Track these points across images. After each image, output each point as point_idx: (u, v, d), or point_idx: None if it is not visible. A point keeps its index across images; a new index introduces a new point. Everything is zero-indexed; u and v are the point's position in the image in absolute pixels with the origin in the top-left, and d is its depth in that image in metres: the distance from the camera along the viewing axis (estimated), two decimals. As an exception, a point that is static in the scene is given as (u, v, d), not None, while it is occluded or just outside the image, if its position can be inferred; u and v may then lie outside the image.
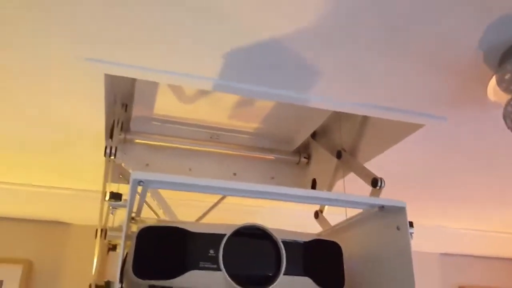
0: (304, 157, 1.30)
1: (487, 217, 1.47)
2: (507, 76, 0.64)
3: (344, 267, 0.73)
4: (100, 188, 0.84)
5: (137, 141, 1.13)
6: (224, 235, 0.67)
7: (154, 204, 0.90)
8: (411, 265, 0.65)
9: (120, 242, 0.62)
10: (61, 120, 0.87)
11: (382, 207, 0.70)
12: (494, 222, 1.51)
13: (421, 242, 1.68)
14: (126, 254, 0.67)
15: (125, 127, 1.08)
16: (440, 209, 1.42)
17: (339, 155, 1.07)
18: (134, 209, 0.74)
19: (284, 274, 0.67)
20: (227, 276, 0.65)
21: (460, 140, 0.93)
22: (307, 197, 0.66)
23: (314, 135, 1.24)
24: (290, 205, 1.23)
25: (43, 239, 1.50)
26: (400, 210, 0.68)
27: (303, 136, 1.23)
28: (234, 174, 1.29)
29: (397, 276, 0.67)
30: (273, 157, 1.30)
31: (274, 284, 0.66)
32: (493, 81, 0.67)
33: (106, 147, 0.78)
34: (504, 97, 0.68)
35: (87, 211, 1.35)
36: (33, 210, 1.47)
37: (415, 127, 0.87)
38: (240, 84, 0.71)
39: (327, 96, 0.76)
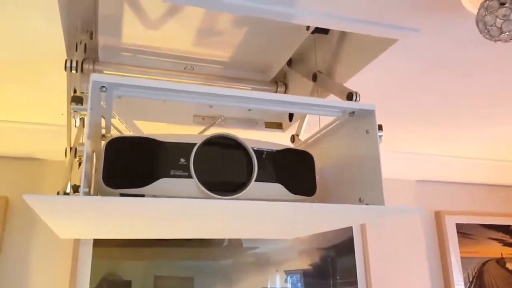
0: (281, 87, 1.28)
1: (463, 141, 1.49)
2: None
3: (317, 177, 0.74)
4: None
5: (106, 72, 1.10)
6: (195, 144, 0.67)
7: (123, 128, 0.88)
8: (379, 167, 0.66)
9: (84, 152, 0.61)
10: (20, 41, 0.82)
11: (352, 113, 0.70)
12: (469, 147, 1.54)
13: (397, 169, 1.72)
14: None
15: (93, 58, 1.04)
16: (416, 133, 1.43)
17: (314, 78, 1.06)
18: (103, 125, 0.73)
19: (255, 181, 0.68)
20: (198, 182, 0.65)
21: (435, 54, 0.92)
22: (279, 102, 0.65)
23: (290, 63, 1.22)
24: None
25: (18, 176, 1.50)
26: (369, 113, 0.67)
27: (279, 64, 1.20)
28: (210, 106, 1.27)
29: (366, 179, 0.68)
30: (249, 88, 1.29)
31: (246, 190, 0.67)
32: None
33: (66, 60, 0.74)
34: (478, 4, 0.66)
35: (61, 146, 1.34)
36: (7, 147, 1.45)
37: (389, 42, 0.85)
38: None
39: (310, 10, 0.72)
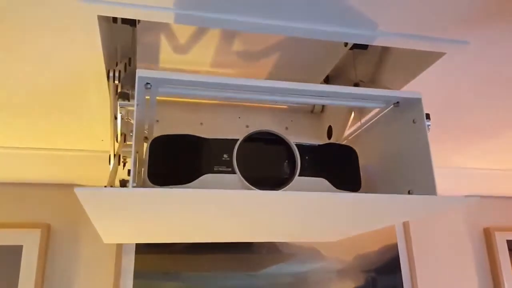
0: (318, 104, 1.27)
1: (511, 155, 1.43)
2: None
3: (361, 173, 0.72)
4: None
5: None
6: (237, 140, 0.67)
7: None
8: (430, 158, 0.64)
9: (131, 151, 0.62)
10: (60, 67, 0.81)
11: (397, 104, 0.68)
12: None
13: (443, 185, 1.65)
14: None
15: (131, 84, 1.07)
16: (462, 148, 1.38)
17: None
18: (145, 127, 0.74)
19: (299, 176, 0.67)
20: (242, 177, 0.65)
21: (484, 68, 0.86)
22: (316, 92, 0.65)
23: (327, 80, 1.21)
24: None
25: (60, 203, 1.52)
26: (415, 102, 0.66)
27: (316, 82, 1.20)
28: (247, 126, 1.27)
29: (416, 171, 0.66)
30: (286, 106, 1.28)
31: (290, 184, 0.66)
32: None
33: (109, 71, 0.74)
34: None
35: (102, 172, 1.37)
36: (49, 174, 1.47)
37: (436, 56, 0.81)
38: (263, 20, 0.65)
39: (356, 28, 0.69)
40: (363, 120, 0.76)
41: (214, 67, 1.10)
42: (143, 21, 0.83)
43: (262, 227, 0.79)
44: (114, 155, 0.79)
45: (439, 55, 0.79)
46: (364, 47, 1.02)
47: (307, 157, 0.69)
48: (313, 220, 0.72)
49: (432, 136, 1.28)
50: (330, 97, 0.66)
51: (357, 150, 0.74)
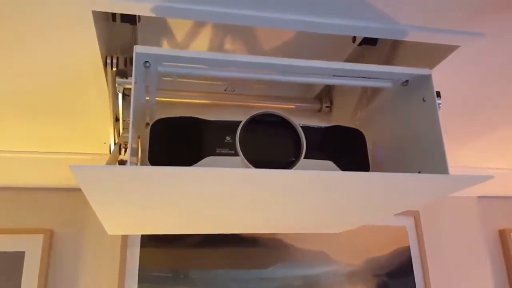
0: (326, 105, 1.24)
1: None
2: None
3: (370, 156, 0.69)
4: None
5: (147, 98, 1.10)
6: (240, 122, 0.65)
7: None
8: (441, 136, 0.61)
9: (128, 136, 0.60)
10: (59, 69, 0.78)
11: (406, 83, 0.66)
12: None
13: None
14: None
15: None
16: (477, 147, 1.34)
17: None
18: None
19: (304, 158, 0.64)
20: (245, 159, 0.62)
21: (501, 61, 0.81)
22: (321, 68, 0.63)
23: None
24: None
25: (63, 207, 1.48)
26: (425, 80, 0.63)
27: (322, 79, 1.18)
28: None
29: (427, 152, 0.63)
30: (293, 106, 1.25)
31: (295, 167, 0.63)
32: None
33: (106, 57, 0.70)
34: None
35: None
36: (51, 178, 1.44)
37: (450, 49, 0.76)
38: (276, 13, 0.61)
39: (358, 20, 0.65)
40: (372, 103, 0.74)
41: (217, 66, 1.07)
42: (143, 19, 0.82)
43: (265, 215, 0.75)
44: (115, 141, 0.77)
45: (452, 48, 0.75)
46: (373, 42, 0.99)
47: (313, 140, 0.66)
48: (318, 205, 0.68)
49: (444, 133, 1.25)
50: (337, 76, 0.64)
51: (366, 133, 0.71)
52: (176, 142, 0.65)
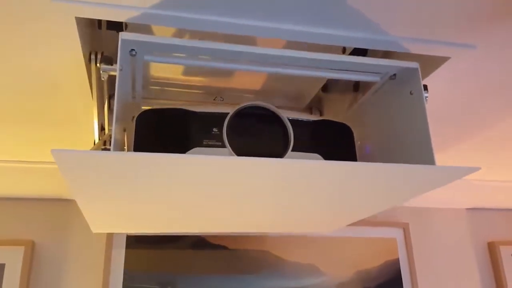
0: (316, 112, 1.25)
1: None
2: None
3: (357, 150, 0.69)
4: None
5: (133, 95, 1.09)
6: (228, 113, 0.64)
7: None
8: (428, 129, 0.61)
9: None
10: (44, 77, 0.75)
11: (393, 76, 0.66)
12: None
13: (445, 197, 1.61)
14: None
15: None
16: (467, 159, 1.34)
17: (356, 87, 1.00)
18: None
19: (292, 151, 0.63)
20: (232, 151, 0.61)
21: (490, 74, 0.81)
22: (308, 59, 0.63)
23: (325, 88, 1.19)
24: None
25: (44, 218, 1.43)
26: (412, 73, 0.64)
27: (313, 90, 1.18)
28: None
29: (414, 145, 0.63)
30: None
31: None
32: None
33: (90, 53, 0.66)
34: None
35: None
36: (33, 188, 1.39)
37: (439, 61, 0.75)
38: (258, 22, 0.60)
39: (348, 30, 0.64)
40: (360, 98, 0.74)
41: (207, 75, 1.06)
42: (130, 26, 0.81)
43: (253, 210, 0.74)
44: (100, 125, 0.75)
45: (442, 60, 0.74)
46: (363, 53, 1.00)
47: (301, 133, 0.66)
48: (304, 198, 0.67)
49: (437, 145, 1.25)
50: (324, 69, 0.64)
51: (355, 128, 0.71)
52: (162, 133, 0.64)
